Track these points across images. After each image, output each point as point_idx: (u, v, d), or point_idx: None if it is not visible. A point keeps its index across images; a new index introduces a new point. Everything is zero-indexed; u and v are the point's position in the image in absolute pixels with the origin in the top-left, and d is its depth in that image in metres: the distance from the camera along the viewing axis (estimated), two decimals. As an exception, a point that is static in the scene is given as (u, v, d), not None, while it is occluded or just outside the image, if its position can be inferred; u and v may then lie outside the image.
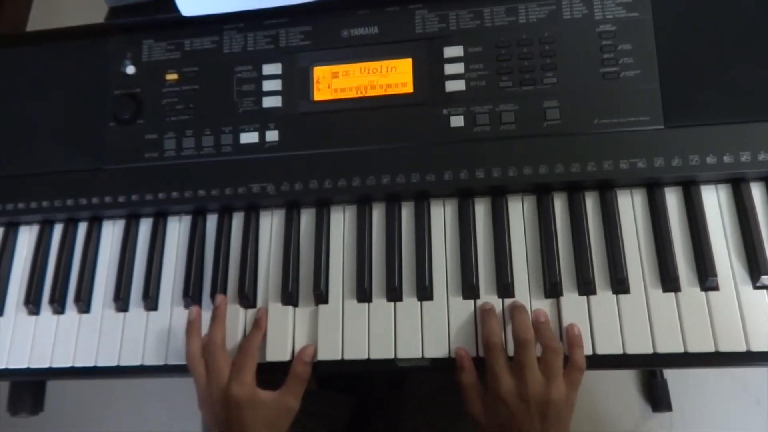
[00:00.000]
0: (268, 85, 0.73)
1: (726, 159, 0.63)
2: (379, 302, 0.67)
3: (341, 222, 0.71)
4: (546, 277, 0.65)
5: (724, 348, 0.60)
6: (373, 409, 0.86)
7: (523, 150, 0.66)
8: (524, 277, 0.66)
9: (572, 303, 0.64)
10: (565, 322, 0.63)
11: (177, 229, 0.74)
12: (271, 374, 0.66)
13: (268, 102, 0.72)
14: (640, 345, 0.61)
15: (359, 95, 0.71)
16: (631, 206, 0.66)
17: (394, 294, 0.66)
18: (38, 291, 0.74)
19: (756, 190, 0.65)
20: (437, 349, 0.64)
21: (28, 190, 0.75)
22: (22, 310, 0.74)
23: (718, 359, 0.60)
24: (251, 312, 0.69)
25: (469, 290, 0.65)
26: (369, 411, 0.86)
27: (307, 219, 0.72)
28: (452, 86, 0.69)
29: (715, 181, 0.66)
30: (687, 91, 0.65)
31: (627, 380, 1.26)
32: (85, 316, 0.73)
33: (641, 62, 0.66)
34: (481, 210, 0.69)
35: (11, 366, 0.72)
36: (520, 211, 0.68)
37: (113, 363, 0.70)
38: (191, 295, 0.70)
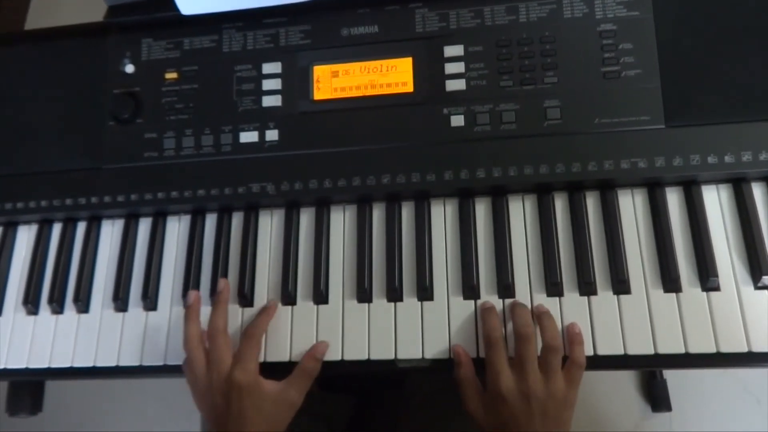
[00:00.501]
0: (267, 84, 0.73)
1: (727, 159, 0.63)
2: (380, 302, 0.67)
3: (341, 222, 0.70)
4: (547, 277, 0.65)
5: (725, 349, 0.60)
6: (373, 410, 0.86)
7: (523, 149, 0.66)
8: (525, 278, 0.65)
9: (573, 303, 0.63)
10: (566, 323, 0.63)
11: (176, 229, 0.74)
12: (268, 374, 0.65)
13: (268, 101, 0.72)
14: (641, 345, 0.61)
15: (359, 94, 0.71)
16: (632, 206, 0.66)
17: (394, 294, 0.66)
18: (37, 291, 0.74)
19: (757, 190, 0.65)
20: (438, 350, 0.64)
21: (27, 189, 0.75)
22: (21, 310, 0.74)
23: (719, 360, 0.60)
24: (249, 311, 0.69)
25: (470, 290, 0.65)
26: (369, 411, 0.86)
27: (306, 219, 0.71)
28: (453, 85, 0.69)
29: (716, 181, 0.65)
30: (688, 91, 0.65)
31: (626, 380, 1.26)
32: (84, 316, 0.72)
33: (642, 61, 0.66)
34: (482, 210, 0.69)
35: (10, 366, 0.72)
36: (520, 211, 0.68)
37: (112, 363, 0.70)
38: (191, 295, 0.70)
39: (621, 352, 0.61)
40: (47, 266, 0.75)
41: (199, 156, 0.72)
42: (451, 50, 0.70)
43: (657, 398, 1.22)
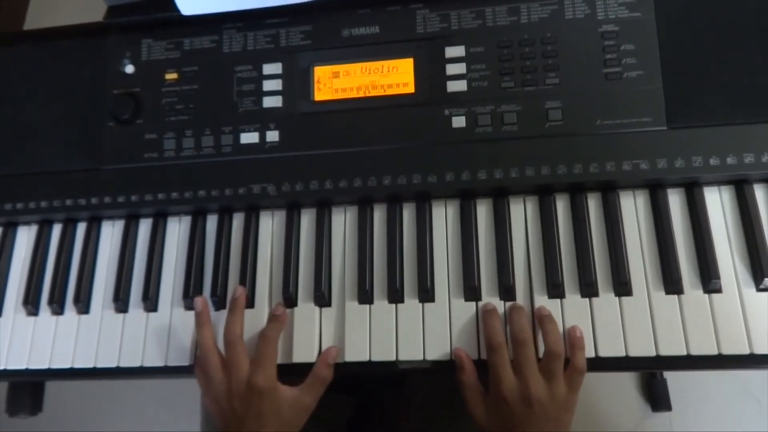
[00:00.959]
0: (268, 85, 0.72)
1: (729, 160, 0.63)
2: (381, 304, 0.66)
3: (342, 223, 0.70)
4: (548, 279, 0.64)
5: (726, 351, 0.60)
6: (374, 411, 0.86)
7: (525, 151, 0.66)
8: (526, 279, 0.65)
9: (574, 305, 0.63)
10: (568, 324, 0.63)
11: (177, 230, 0.74)
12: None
13: (269, 102, 0.72)
14: (642, 347, 0.61)
15: (360, 95, 0.71)
16: (633, 208, 0.66)
17: (395, 296, 0.66)
18: (37, 291, 0.74)
19: (759, 192, 0.64)
20: (439, 351, 0.64)
21: (26, 189, 0.74)
22: (21, 311, 0.74)
23: (720, 362, 0.60)
24: (250, 312, 0.68)
25: (471, 292, 0.65)
26: (369, 412, 0.86)
27: (307, 220, 0.71)
28: (454, 86, 0.69)
29: (718, 183, 0.65)
30: (690, 92, 0.65)
31: (627, 380, 1.26)
32: (84, 316, 0.72)
33: (644, 63, 0.66)
34: (483, 211, 0.68)
35: (10, 367, 0.72)
36: (522, 213, 0.68)
37: (113, 364, 0.70)
38: (191, 296, 0.70)
39: (622, 353, 0.61)
40: (47, 267, 0.75)
41: (199, 157, 0.72)
42: (452, 51, 0.70)
43: (657, 398, 1.22)
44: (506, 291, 0.65)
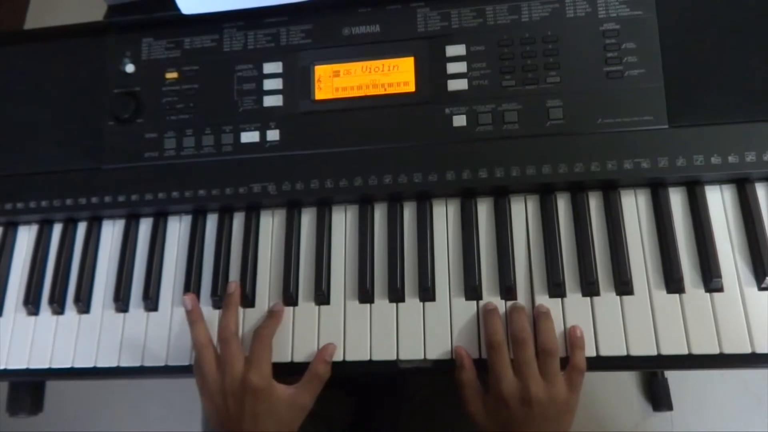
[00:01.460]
0: (268, 84, 0.72)
1: (731, 159, 0.63)
2: (381, 303, 0.66)
3: (343, 222, 0.70)
4: (549, 278, 0.64)
5: (728, 350, 0.60)
6: (373, 410, 0.86)
7: (526, 150, 0.66)
8: (527, 279, 0.65)
9: (575, 304, 0.63)
10: (569, 324, 0.62)
11: (177, 229, 0.74)
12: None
13: (269, 101, 0.72)
14: (643, 347, 0.61)
15: (361, 94, 0.70)
16: (634, 207, 0.66)
17: (396, 295, 0.66)
18: (37, 291, 0.74)
19: (761, 191, 0.64)
20: (439, 351, 0.64)
21: (27, 189, 0.74)
22: (22, 311, 0.74)
23: (722, 361, 0.60)
24: (251, 312, 0.69)
25: (472, 291, 0.65)
26: (369, 412, 0.86)
27: (308, 219, 0.71)
28: (455, 85, 0.69)
29: (720, 182, 0.65)
30: (691, 91, 0.65)
31: (628, 379, 1.26)
32: (84, 316, 0.72)
33: (645, 61, 0.66)
34: (484, 210, 0.68)
35: (10, 366, 0.72)
36: (522, 212, 0.68)
37: (113, 364, 0.70)
38: (191, 295, 0.70)
39: (624, 353, 0.61)
40: (48, 267, 0.75)
41: (199, 156, 0.72)
42: (453, 50, 0.69)
43: (658, 397, 1.22)
44: (507, 290, 0.65)
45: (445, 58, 0.69)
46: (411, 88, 0.70)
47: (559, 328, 0.63)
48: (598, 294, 0.63)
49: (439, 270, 0.67)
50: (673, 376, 1.23)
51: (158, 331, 0.70)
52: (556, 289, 0.64)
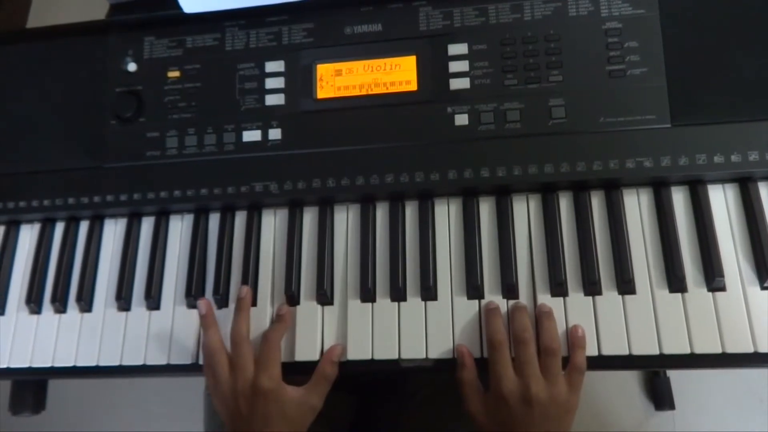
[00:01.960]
0: (270, 83, 0.72)
1: (734, 158, 0.62)
2: (383, 302, 0.66)
3: (344, 221, 0.70)
4: (551, 277, 0.64)
5: (730, 349, 0.59)
6: (375, 410, 0.86)
7: (528, 149, 0.66)
8: (529, 278, 0.65)
9: (577, 303, 0.63)
10: (571, 323, 0.62)
11: (179, 228, 0.74)
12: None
13: (271, 100, 0.72)
14: (646, 346, 0.61)
15: (362, 93, 0.70)
16: (637, 206, 0.66)
17: (398, 294, 0.66)
18: (40, 290, 0.74)
19: (764, 190, 0.64)
20: (441, 350, 0.64)
21: (29, 188, 0.74)
22: (24, 309, 0.74)
23: (724, 360, 0.60)
24: (252, 310, 0.68)
25: (474, 290, 0.65)
26: (371, 411, 0.86)
27: (310, 218, 0.71)
28: (457, 84, 0.69)
29: (723, 181, 0.65)
30: (694, 89, 0.65)
31: (630, 379, 1.26)
32: (87, 315, 0.72)
33: (648, 60, 0.66)
34: (486, 209, 0.68)
35: (13, 365, 0.72)
36: (525, 211, 0.67)
37: (115, 363, 0.70)
38: (194, 294, 0.70)
39: (626, 352, 0.61)
40: (50, 265, 0.75)
41: (201, 155, 0.72)
42: (455, 48, 0.69)
43: (660, 397, 1.22)
44: (509, 289, 0.64)
45: (447, 56, 0.69)
46: (413, 87, 0.69)
47: (560, 327, 0.62)
48: (600, 293, 0.63)
49: (440, 269, 0.67)
50: (675, 376, 1.22)
51: (160, 330, 0.70)
52: (558, 288, 0.64)
